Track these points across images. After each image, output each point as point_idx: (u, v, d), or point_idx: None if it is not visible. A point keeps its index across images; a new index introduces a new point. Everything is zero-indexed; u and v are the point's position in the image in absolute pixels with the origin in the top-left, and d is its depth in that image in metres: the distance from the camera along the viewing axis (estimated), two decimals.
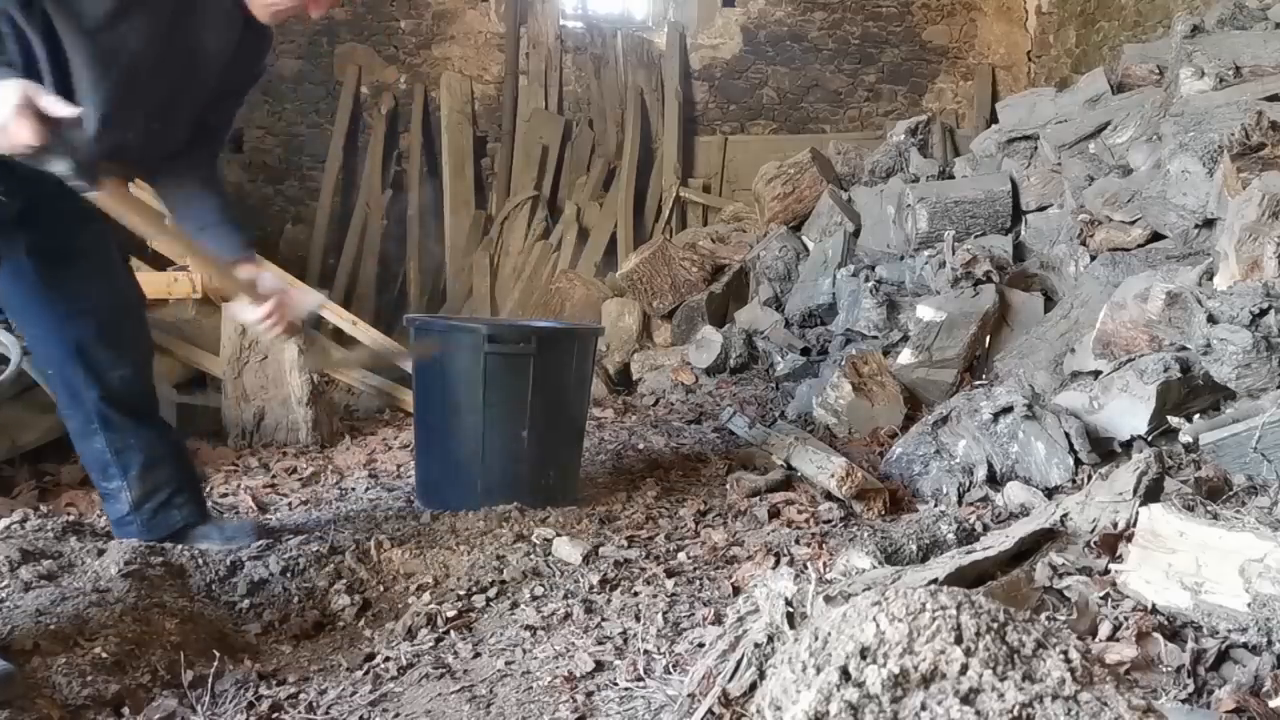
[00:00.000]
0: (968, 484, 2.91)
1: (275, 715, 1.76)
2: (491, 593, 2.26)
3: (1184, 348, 2.92)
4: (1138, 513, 1.90)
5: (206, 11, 1.98)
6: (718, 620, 2.02)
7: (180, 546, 2.35)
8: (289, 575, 2.32)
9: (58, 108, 1.67)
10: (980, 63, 8.33)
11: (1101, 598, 1.80)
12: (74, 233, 2.14)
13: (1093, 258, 3.88)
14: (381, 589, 2.33)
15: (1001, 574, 1.93)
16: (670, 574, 2.37)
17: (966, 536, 2.31)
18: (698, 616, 2.10)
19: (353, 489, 3.16)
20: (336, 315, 4.72)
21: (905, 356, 3.92)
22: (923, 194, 4.65)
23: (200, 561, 2.30)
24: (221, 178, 2.28)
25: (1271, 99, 3.70)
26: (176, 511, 2.41)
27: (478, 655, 1.96)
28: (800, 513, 2.85)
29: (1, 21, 1.81)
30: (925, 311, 4.00)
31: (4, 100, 1.64)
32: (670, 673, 1.82)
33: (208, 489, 3.10)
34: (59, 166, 1.73)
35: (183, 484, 2.44)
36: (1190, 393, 2.89)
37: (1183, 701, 1.53)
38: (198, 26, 1.99)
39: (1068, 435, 2.86)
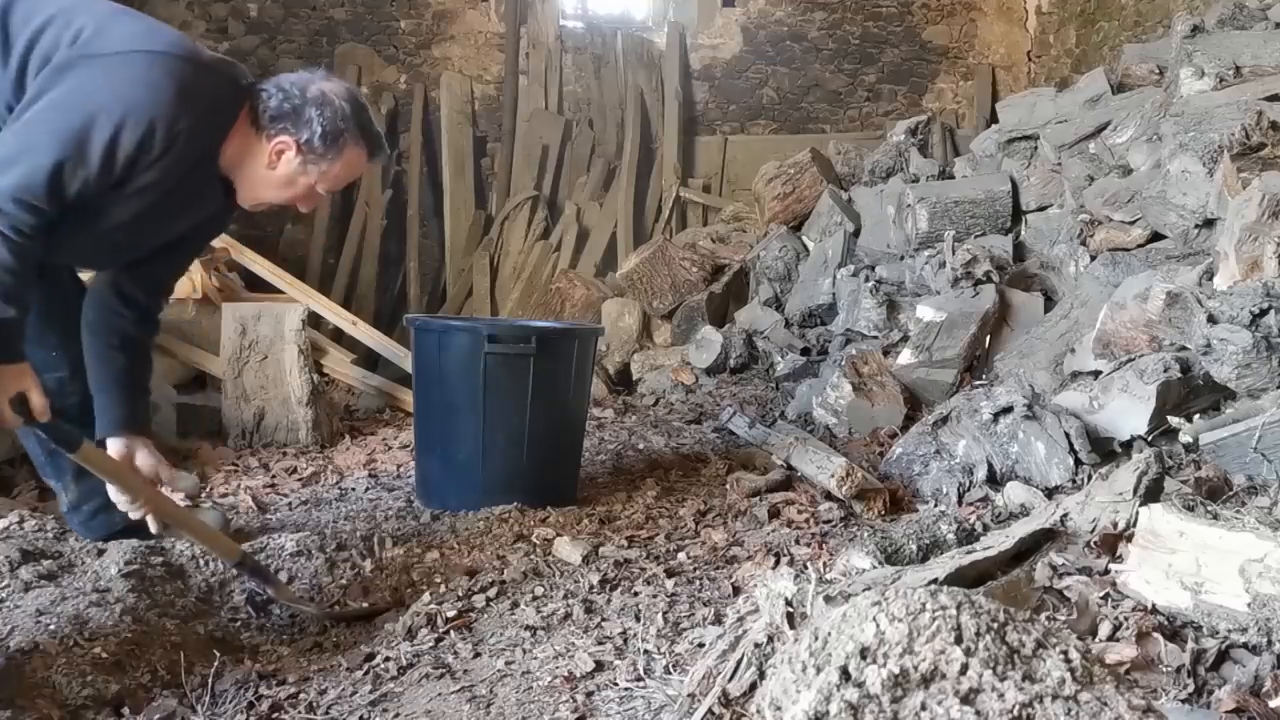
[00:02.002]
0: (968, 484, 2.91)
1: (275, 715, 1.76)
2: (491, 593, 2.26)
3: (1184, 348, 2.92)
4: (1138, 513, 1.90)
5: (197, 192, 2.04)
6: (718, 620, 2.02)
7: (181, 546, 2.35)
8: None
9: (39, 406, 1.87)
10: (980, 63, 8.32)
11: (1101, 598, 1.80)
12: None
13: (1093, 258, 3.88)
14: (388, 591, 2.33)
15: (1001, 574, 1.93)
16: (670, 574, 2.37)
17: (966, 536, 2.31)
18: (698, 616, 2.10)
19: (353, 489, 3.16)
20: (336, 315, 4.73)
21: (905, 356, 3.92)
22: (923, 194, 4.65)
23: (200, 562, 2.30)
24: (144, 343, 2.26)
25: (1271, 99, 3.70)
26: (118, 515, 2.23)
27: (478, 655, 1.96)
28: (800, 513, 2.85)
29: None
30: (925, 311, 4.00)
31: (10, 387, 1.83)
32: (670, 673, 1.82)
33: (208, 489, 3.11)
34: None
35: None
36: (1190, 393, 2.89)
37: (1183, 701, 1.53)
38: (186, 202, 2.04)
39: (1068, 435, 2.85)
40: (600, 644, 1.97)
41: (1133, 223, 3.81)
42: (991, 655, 1.03)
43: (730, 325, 5.22)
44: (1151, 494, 2.11)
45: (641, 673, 1.82)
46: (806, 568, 2.22)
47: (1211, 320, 2.79)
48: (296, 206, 2.13)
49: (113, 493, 2.09)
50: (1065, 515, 2.16)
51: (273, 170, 2.03)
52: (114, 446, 2.12)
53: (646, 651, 1.92)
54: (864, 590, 1.45)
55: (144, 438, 2.19)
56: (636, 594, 2.25)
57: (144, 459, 2.16)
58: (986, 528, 2.44)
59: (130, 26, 1.91)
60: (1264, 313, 2.70)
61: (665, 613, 2.11)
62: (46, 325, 2.20)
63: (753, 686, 1.42)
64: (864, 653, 1.04)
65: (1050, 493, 2.76)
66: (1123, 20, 6.75)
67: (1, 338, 1.80)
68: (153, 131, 1.83)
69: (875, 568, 2.07)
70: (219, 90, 1.98)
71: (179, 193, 1.98)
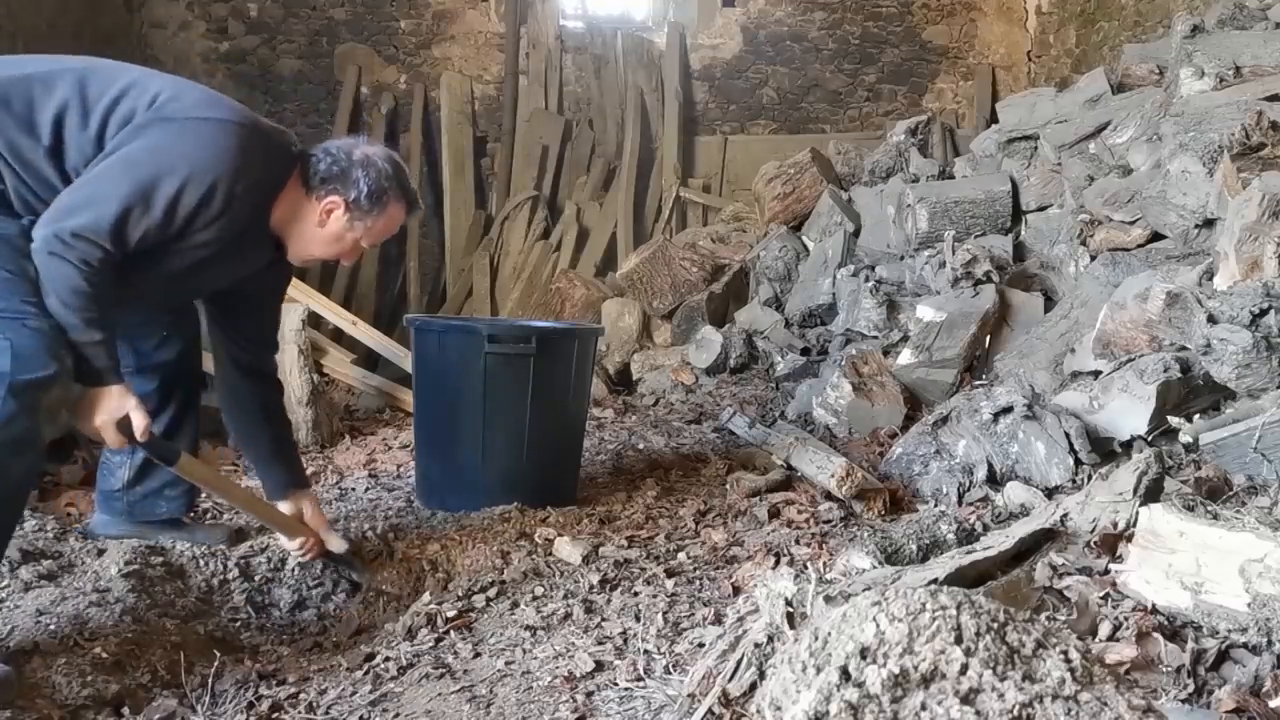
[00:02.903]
0: (968, 484, 2.91)
1: (275, 715, 1.76)
2: (491, 593, 2.26)
3: (1184, 348, 2.92)
4: (1138, 513, 1.90)
5: (249, 248, 2.18)
6: (718, 620, 2.02)
7: (181, 546, 2.35)
8: (290, 576, 2.32)
9: (140, 425, 1.98)
10: (980, 63, 8.32)
11: (1101, 598, 1.80)
12: None
13: (1093, 258, 3.88)
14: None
15: (1001, 574, 1.93)
16: (670, 574, 2.37)
17: (966, 536, 2.31)
18: (698, 616, 2.10)
19: (353, 489, 3.16)
20: (336, 315, 4.73)
21: (905, 356, 3.92)
22: (923, 194, 4.65)
23: (200, 562, 2.30)
24: (280, 403, 2.46)
25: (1271, 99, 3.70)
26: (164, 503, 2.46)
27: (478, 655, 1.96)
28: (800, 513, 2.85)
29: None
30: (925, 311, 4.00)
31: (114, 410, 1.95)
32: (670, 673, 1.82)
33: (206, 492, 3.10)
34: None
35: (178, 480, 2.44)
36: (1190, 393, 2.89)
37: (1183, 701, 1.53)
38: (238, 257, 2.17)
39: (1068, 435, 2.85)
40: (600, 644, 1.97)
41: (1133, 223, 3.81)
42: (991, 655, 1.03)
43: (730, 325, 5.22)
44: (1151, 494, 2.11)
45: (641, 673, 1.82)
46: (806, 568, 2.22)
47: (1211, 320, 2.79)
48: (341, 260, 2.29)
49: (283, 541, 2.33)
50: (1065, 515, 2.16)
51: (323, 228, 2.18)
52: (285, 508, 2.35)
53: (646, 651, 1.92)
54: (864, 590, 1.45)
55: (307, 491, 2.42)
56: (636, 594, 2.25)
57: (309, 513, 2.37)
58: (986, 528, 2.45)
59: (200, 96, 2.08)
60: (1264, 313, 2.70)
61: (665, 613, 2.11)
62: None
63: (753, 686, 1.42)
64: (864, 653, 1.04)
65: (1050, 493, 2.76)
66: (1123, 20, 6.75)
67: (91, 360, 1.90)
68: (214, 191, 1.97)
69: (875, 568, 2.07)
70: (273, 154, 2.13)
71: (231, 248, 2.11)
